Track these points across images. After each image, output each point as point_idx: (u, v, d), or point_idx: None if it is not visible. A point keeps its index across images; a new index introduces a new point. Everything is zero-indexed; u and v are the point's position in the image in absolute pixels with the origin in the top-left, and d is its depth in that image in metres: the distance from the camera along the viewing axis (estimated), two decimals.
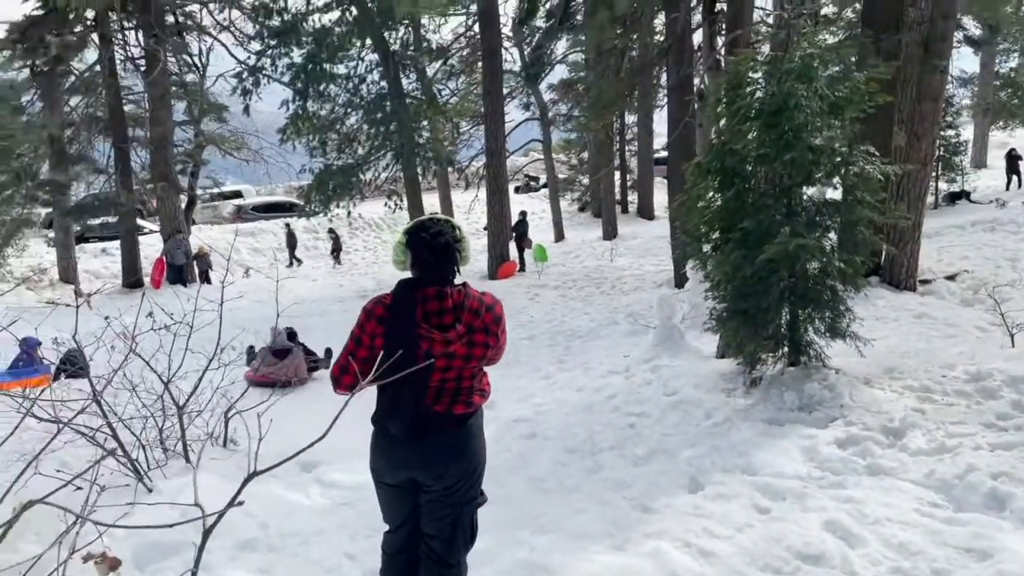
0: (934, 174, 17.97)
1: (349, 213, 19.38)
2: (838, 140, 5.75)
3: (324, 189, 17.97)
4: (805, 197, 5.95)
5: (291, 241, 25.24)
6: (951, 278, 10.85)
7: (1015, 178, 23.10)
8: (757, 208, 5.75)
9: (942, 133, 18.86)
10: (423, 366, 2.72)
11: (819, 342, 5.93)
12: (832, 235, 5.99)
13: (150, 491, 4.61)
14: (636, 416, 6.11)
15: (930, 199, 16.35)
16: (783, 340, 5.96)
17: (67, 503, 3.03)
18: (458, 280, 2.95)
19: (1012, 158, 23.21)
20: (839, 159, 5.69)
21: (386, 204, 21.93)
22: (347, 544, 4.20)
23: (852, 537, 3.73)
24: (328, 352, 9.79)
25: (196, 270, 19.63)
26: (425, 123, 18.98)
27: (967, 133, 26.30)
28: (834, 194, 6.27)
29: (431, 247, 2.86)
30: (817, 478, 4.47)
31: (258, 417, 3.33)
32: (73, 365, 6.42)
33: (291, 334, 9.68)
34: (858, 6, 17.56)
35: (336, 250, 25.73)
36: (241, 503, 1.80)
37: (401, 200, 20.43)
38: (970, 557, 3.49)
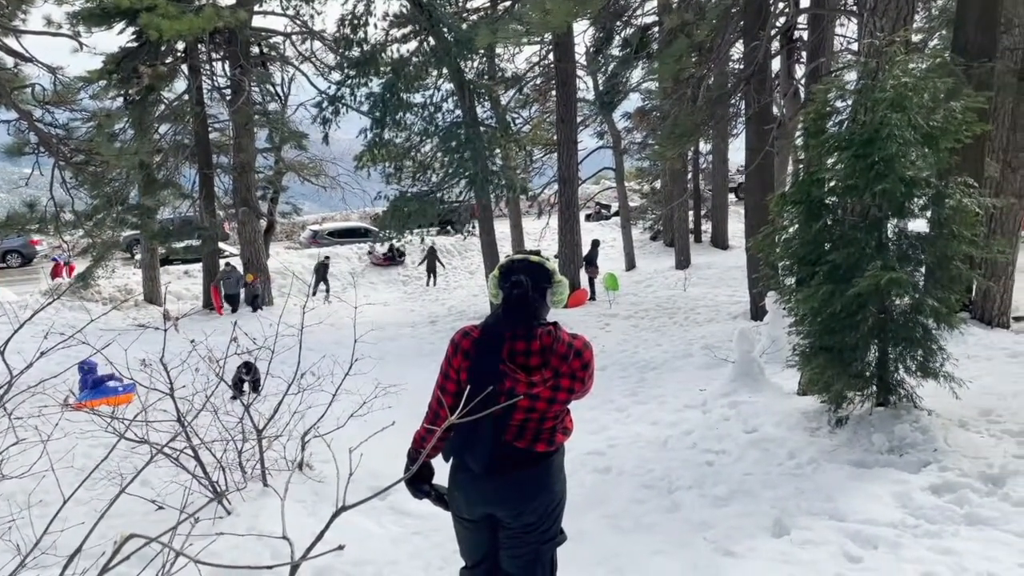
0: None
1: (423, 239, 19.63)
2: (930, 171, 5.51)
3: (399, 215, 18.23)
4: (896, 230, 5.72)
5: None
6: None
7: None
8: (846, 241, 5.54)
9: None
10: (506, 405, 2.64)
11: (910, 381, 5.65)
12: (922, 269, 5.73)
13: (228, 513, 4.67)
14: (715, 454, 5.92)
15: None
16: (872, 379, 5.71)
17: (152, 524, 3.07)
18: (551, 318, 2.87)
19: None
20: (934, 191, 5.45)
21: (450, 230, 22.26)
22: (420, 575, 4.16)
23: None
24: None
25: (248, 296, 20.42)
26: (498, 151, 19.10)
27: None
28: (916, 226, 5.99)
29: (507, 296, 2.82)
30: (911, 526, 4.22)
31: (350, 451, 3.31)
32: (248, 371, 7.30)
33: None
34: (944, 33, 17.02)
35: (431, 270, 25.60)
36: (342, 547, 1.76)
37: (473, 227, 20.61)
38: None
